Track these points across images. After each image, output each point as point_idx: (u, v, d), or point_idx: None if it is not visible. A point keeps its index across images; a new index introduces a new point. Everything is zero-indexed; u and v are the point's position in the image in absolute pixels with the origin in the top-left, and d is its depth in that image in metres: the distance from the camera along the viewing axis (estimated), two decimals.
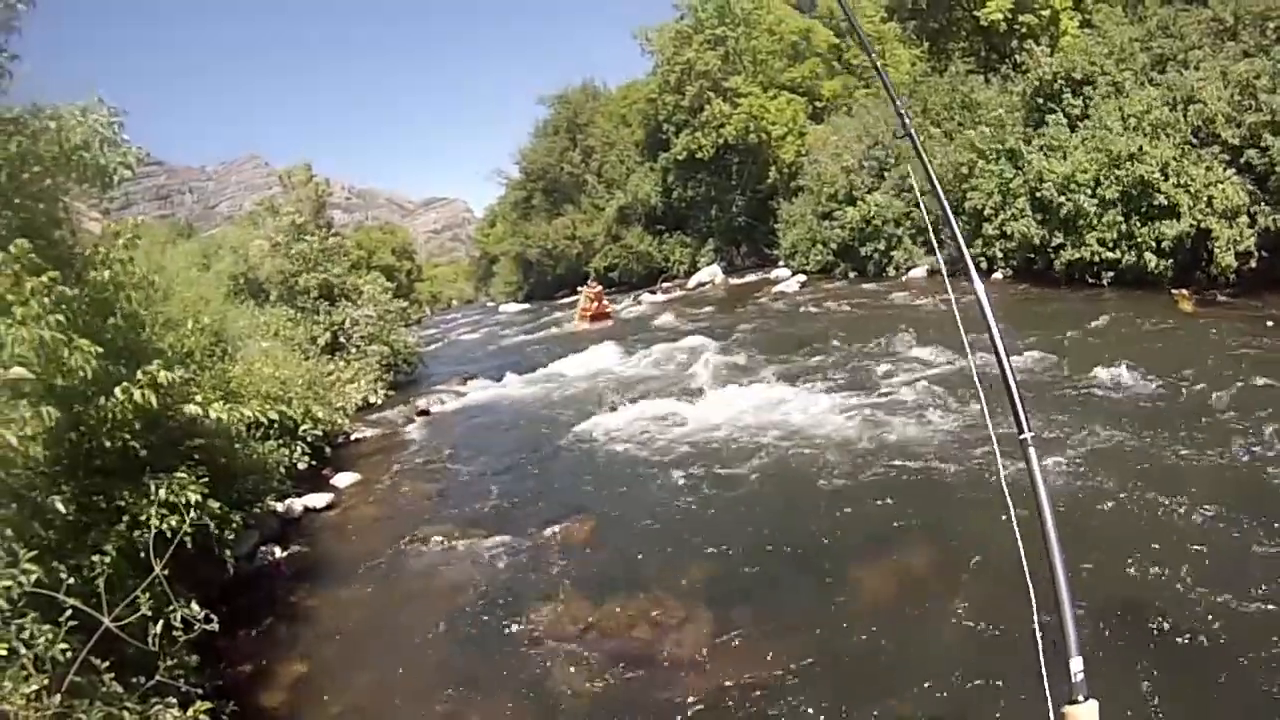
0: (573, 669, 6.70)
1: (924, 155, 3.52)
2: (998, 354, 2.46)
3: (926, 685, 5.81)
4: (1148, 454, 9.21)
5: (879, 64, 4.14)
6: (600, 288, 36.31)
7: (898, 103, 3.64)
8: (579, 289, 36.95)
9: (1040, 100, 24.28)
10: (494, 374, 20.92)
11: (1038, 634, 1.82)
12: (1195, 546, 6.94)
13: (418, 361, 23.50)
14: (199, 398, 7.52)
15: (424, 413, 17.32)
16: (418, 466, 13.67)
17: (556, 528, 9.71)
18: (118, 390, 6.20)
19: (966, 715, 5.51)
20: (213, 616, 5.47)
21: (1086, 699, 1.82)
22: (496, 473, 12.67)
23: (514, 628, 7.56)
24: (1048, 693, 1.81)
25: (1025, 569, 1.98)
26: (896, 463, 9.97)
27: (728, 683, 6.20)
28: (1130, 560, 6.87)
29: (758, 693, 6.04)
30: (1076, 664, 1.80)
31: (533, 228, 56.70)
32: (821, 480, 9.88)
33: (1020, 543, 1.93)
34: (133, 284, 7.11)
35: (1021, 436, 2.30)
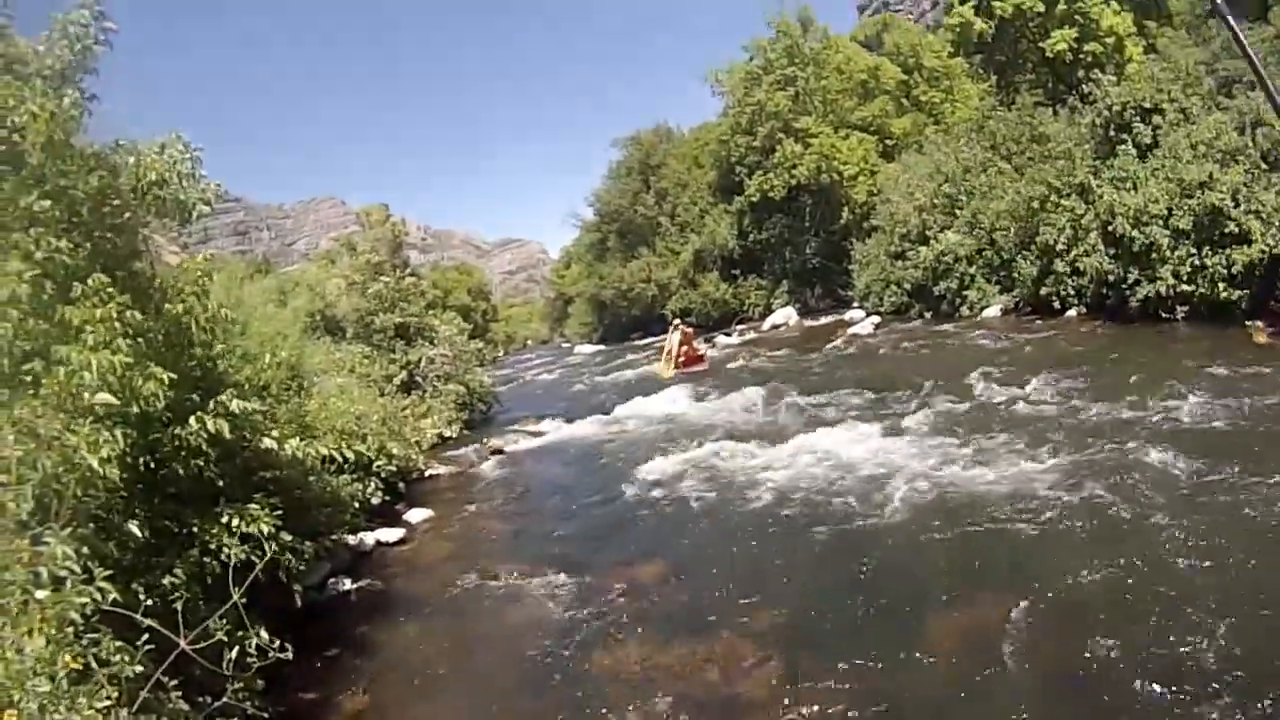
0: (638, 709, 6.70)
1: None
2: None
3: None
4: (1231, 488, 9.12)
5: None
6: (690, 330, 31.83)
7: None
8: (666, 333, 32.67)
9: (1109, 131, 23.92)
10: (568, 415, 20.93)
11: None
12: None
13: (492, 401, 23.63)
14: (275, 432, 7.72)
15: (498, 451, 17.37)
16: (490, 505, 13.73)
17: (627, 569, 9.71)
18: (191, 419, 6.41)
19: None
20: (287, 646, 5.58)
21: None
22: (568, 513, 12.74)
23: (581, 667, 7.56)
24: None
25: None
26: (983, 512, 9.74)
27: None
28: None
29: None
30: None
31: (607, 269, 56.81)
32: (900, 528, 9.73)
33: None
34: (207, 317, 7.31)
35: None
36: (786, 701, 6.50)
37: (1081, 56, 34.82)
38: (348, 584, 10.18)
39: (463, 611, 9.36)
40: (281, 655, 5.47)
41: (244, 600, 5.35)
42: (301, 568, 8.08)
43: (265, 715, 5.67)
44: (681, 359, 28.83)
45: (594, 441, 17.56)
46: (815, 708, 6.35)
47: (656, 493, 12.72)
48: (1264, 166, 19.05)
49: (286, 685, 7.02)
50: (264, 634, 5.56)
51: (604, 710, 6.79)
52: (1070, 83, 33.67)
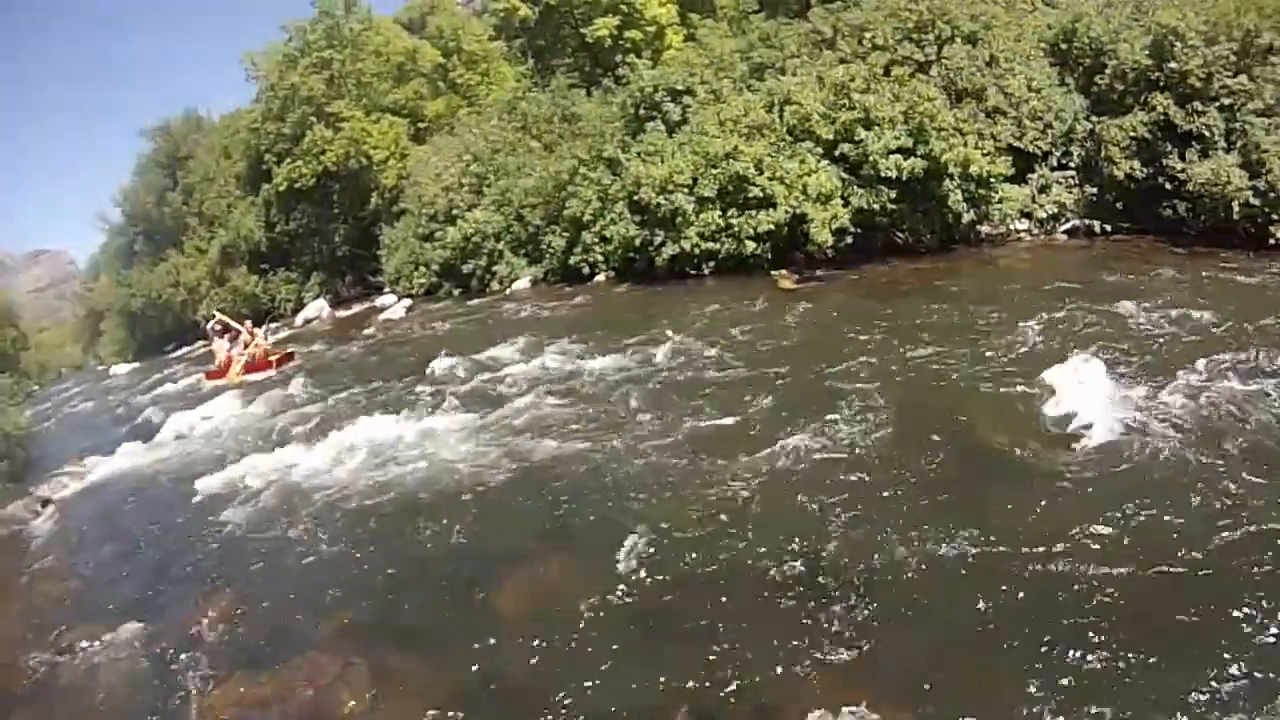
0: None
1: None
2: None
3: (592, 691, 6.29)
4: (757, 415, 10.91)
5: None
6: (245, 327, 25.92)
7: None
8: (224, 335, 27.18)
9: (640, 110, 25.88)
10: (112, 446, 18.62)
11: None
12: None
13: (30, 444, 20.65)
14: None
15: (46, 502, 15.16)
16: (49, 565, 12.36)
17: (202, 604, 9.31)
18: None
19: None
20: None
21: None
22: (131, 555, 11.85)
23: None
24: None
25: None
26: (529, 477, 10.62)
27: None
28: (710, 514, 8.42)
29: None
30: None
31: (136, 276, 53.07)
32: (458, 505, 10.24)
33: None
34: None
35: None
36: (380, 701, 6.78)
37: (622, 42, 36.82)
38: None
39: (49, 696, 8.40)
40: None
41: None
42: None
43: None
44: (271, 358, 24.39)
45: (142, 471, 16.08)
46: (406, 697, 6.71)
47: (217, 514, 12.10)
48: (789, 139, 21.70)
49: None
50: None
51: None
52: (608, 66, 35.46)
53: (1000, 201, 21.78)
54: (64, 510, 14.98)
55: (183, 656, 8.22)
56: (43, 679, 8.67)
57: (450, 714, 6.26)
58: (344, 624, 8.09)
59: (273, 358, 24.43)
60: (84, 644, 8.99)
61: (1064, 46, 23.86)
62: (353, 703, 6.76)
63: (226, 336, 26.21)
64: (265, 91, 42.87)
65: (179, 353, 43.97)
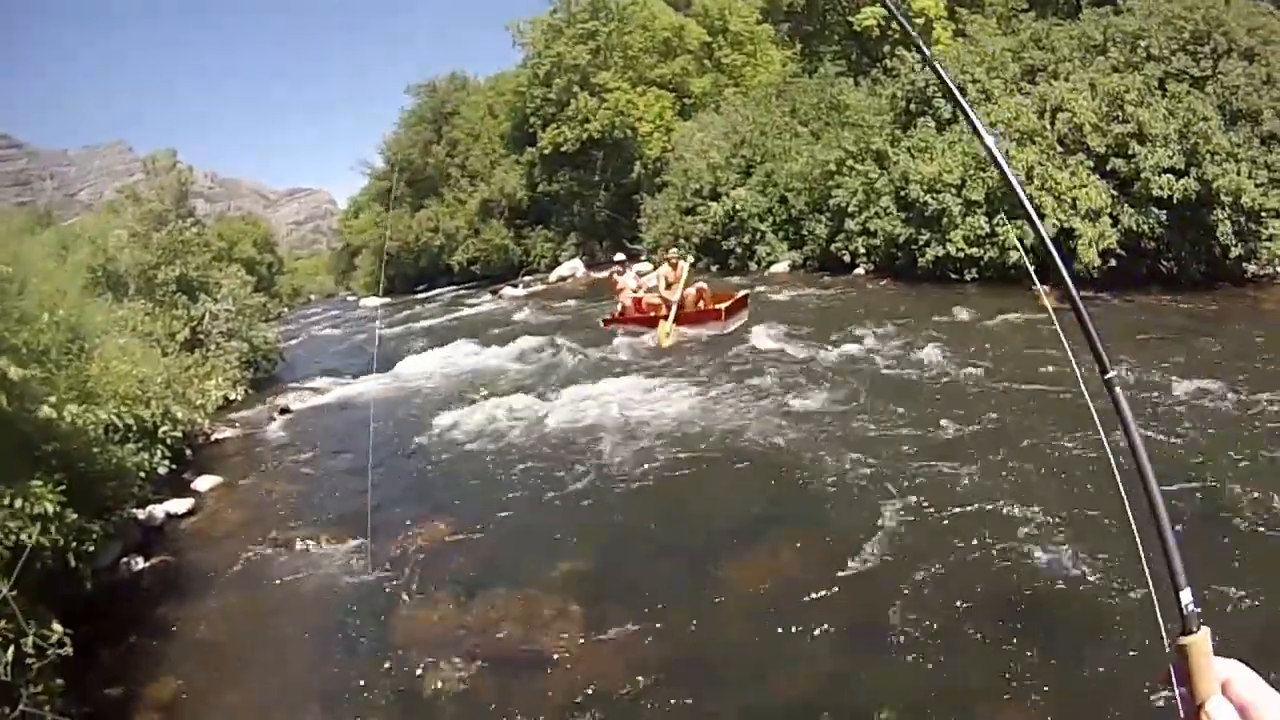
0: (444, 669, 6.60)
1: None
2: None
3: (797, 677, 6.03)
4: (995, 436, 10.01)
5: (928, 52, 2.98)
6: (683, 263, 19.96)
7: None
8: (616, 265, 27.21)
9: (910, 104, 25.11)
10: (356, 370, 20.27)
11: (1145, 569, 1.73)
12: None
13: (278, 358, 22.36)
14: (53, 399, 7.08)
15: (285, 411, 16.49)
16: (280, 467, 13.12)
17: (422, 526, 9.52)
18: None
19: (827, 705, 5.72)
20: (65, 640, 5.16)
21: (1200, 628, 1.73)
22: (360, 471, 11.84)
23: (384, 630, 7.42)
24: (1162, 629, 1.73)
25: (1126, 505, 1.86)
26: (765, 455, 10.24)
27: (601, 678, 6.22)
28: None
29: (632, 686, 6.07)
30: (1186, 595, 1.71)
31: (395, 220, 55.46)
32: (690, 474, 10.05)
33: (1118, 478, 1.79)
34: None
35: (1106, 376, 2.07)
36: (587, 652, 6.60)
37: (889, 33, 35.93)
38: (141, 562, 9.48)
39: (260, 582, 8.91)
40: (60, 651, 5.06)
41: (35, 591, 4.90)
42: (91, 549, 7.46)
43: (69, 716, 5.20)
44: (718, 306, 18.44)
45: (380, 396, 17.05)
46: (616, 656, 6.48)
47: (444, 447, 12.56)
48: (1060, 149, 20.40)
49: (90, 681, 6.51)
50: (56, 626, 5.12)
51: (409, 673, 6.67)
52: (875, 56, 34.93)
53: (1270, 239, 19.54)
54: (301, 420, 15.93)
55: (394, 570, 8.50)
56: (254, 565, 9.21)
57: (656, 677, 6.11)
58: (566, 570, 8.01)
59: (720, 305, 18.39)
60: (303, 541, 9.51)
61: None
62: (564, 646, 6.67)
63: (630, 274, 22.48)
64: (531, 58, 44.36)
65: (430, 294, 46.25)
